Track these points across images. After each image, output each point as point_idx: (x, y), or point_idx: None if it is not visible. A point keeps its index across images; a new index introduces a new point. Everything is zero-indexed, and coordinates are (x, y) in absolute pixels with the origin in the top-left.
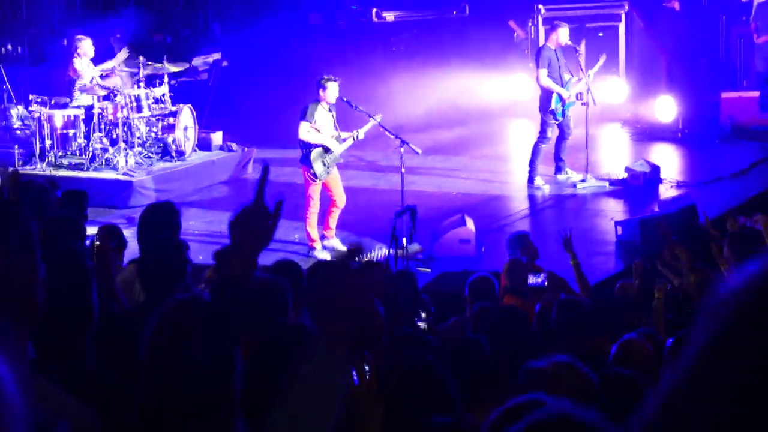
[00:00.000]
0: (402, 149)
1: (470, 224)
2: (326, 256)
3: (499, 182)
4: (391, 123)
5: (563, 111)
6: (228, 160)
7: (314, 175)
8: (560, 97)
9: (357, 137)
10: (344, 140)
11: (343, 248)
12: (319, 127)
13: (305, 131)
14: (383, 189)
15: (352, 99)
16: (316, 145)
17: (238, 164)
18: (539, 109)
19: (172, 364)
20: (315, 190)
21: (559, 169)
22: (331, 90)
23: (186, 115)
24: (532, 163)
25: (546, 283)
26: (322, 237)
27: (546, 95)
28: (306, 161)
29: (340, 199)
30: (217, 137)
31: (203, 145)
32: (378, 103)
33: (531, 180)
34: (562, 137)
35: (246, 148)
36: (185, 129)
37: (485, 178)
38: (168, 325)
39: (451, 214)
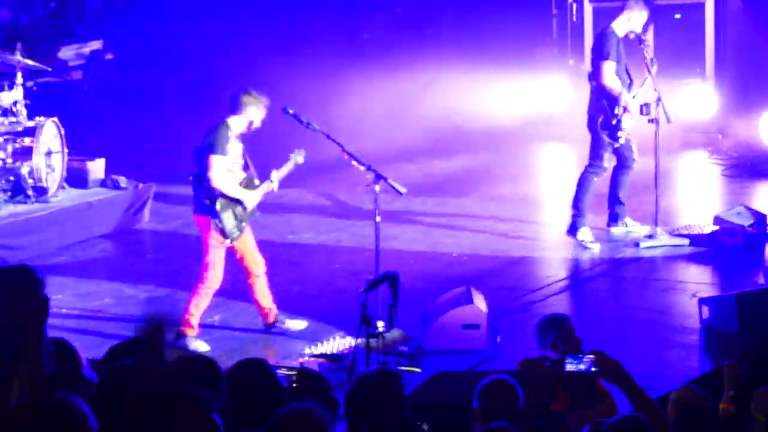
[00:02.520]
0: (376, 187)
1: (479, 301)
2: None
3: (523, 237)
4: (361, 148)
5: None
6: (113, 203)
7: (222, 232)
8: (625, 109)
9: (273, 186)
10: (257, 185)
11: (301, 325)
12: (231, 165)
13: (219, 173)
14: (348, 247)
15: (300, 112)
16: (225, 195)
17: (129, 208)
18: (589, 123)
19: None
20: (218, 255)
21: (614, 218)
22: (256, 114)
23: (49, 134)
24: (577, 203)
25: (593, 368)
26: (270, 325)
27: (604, 102)
28: (210, 211)
29: (256, 263)
30: (96, 167)
31: (76, 179)
32: (340, 118)
33: (573, 228)
34: (622, 167)
35: (141, 185)
36: (48, 155)
37: (502, 231)
38: None
39: (451, 285)
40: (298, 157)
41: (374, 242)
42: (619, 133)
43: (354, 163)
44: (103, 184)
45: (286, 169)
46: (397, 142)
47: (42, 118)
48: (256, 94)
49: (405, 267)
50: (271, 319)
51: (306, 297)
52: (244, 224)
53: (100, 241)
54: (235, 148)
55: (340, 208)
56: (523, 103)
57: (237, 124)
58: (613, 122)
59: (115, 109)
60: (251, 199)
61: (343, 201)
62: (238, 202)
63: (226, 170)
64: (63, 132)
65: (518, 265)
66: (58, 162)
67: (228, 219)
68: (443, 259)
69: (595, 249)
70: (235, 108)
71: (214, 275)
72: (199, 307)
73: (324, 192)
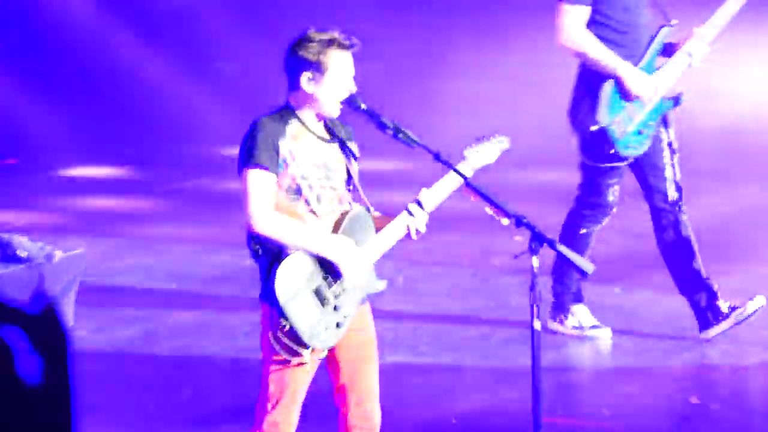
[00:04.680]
0: (534, 260)
1: None
2: None
3: None
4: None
5: (641, 131)
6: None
7: (293, 335)
8: (619, 90)
9: (416, 223)
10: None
11: None
12: (301, 182)
13: (263, 205)
14: (475, 367)
15: (379, 106)
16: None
17: (38, 296)
18: (570, 121)
19: None
20: (289, 380)
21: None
22: (335, 76)
23: None
24: (559, 285)
25: None
26: None
27: (582, 84)
28: (266, 293)
29: (364, 415)
30: None
31: None
32: (459, 109)
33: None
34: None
35: (58, 252)
36: None
37: None
38: None
39: None
40: (489, 153)
41: (531, 374)
42: (618, 145)
43: (489, 209)
44: None
45: (449, 186)
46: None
47: None
48: (318, 31)
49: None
50: None
51: None
52: (345, 318)
53: None
54: (305, 153)
55: (460, 292)
56: None
57: (302, 99)
58: (593, 127)
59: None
60: (352, 255)
61: (467, 270)
62: (323, 265)
63: (286, 196)
64: None
65: None
66: None
67: (300, 309)
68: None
69: None
70: (292, 74)
71: (281, 421)
72: None
73: (430, 254)
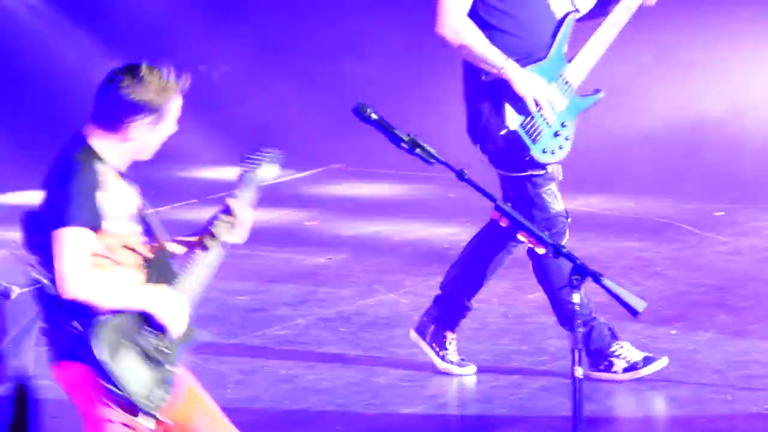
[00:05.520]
0: (575, 297)
1: None
2: None
3: None
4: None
5: (558, 132)
6: None
7: (123, 402)
8: (503, 93)
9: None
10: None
11: None
12: (118, 236)
13: (81, 268)
14: None
15: (390, 115)
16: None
17: None
18: (472, 131)
19: None
20: None
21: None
22: (169, 122)
23: None
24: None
25: None
26: None
27: (479, 85)
28: (85, 356)
29: None
30: None
31: None
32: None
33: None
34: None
35: (14, 289)
36: None
37: None
38: None
39: None
40: (264, 167)
41: (572, 430)
42: (534, 153)
43: (522, 237)
44: None
45: (247, 194)
46: (604, 168)
47: None
48: (152, 67)
49: None
50: None
51: None
52: (172, 371)
53: None
54: (122, 199)
55: (488, 333)
56: None
57: (118, 142)
58: (502, 131)
59: None
60: (169, 301)
61: (496, 309)
62: (144, 320)
63: (102, 252)
64: None
65: None
66: None
67: (129, 370)
68: None
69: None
70: (118, 115)
71: None
72: None
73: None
